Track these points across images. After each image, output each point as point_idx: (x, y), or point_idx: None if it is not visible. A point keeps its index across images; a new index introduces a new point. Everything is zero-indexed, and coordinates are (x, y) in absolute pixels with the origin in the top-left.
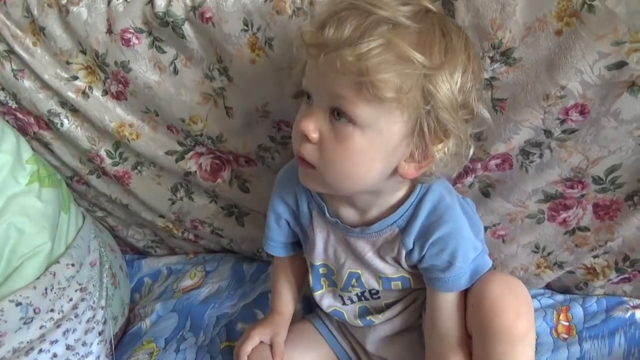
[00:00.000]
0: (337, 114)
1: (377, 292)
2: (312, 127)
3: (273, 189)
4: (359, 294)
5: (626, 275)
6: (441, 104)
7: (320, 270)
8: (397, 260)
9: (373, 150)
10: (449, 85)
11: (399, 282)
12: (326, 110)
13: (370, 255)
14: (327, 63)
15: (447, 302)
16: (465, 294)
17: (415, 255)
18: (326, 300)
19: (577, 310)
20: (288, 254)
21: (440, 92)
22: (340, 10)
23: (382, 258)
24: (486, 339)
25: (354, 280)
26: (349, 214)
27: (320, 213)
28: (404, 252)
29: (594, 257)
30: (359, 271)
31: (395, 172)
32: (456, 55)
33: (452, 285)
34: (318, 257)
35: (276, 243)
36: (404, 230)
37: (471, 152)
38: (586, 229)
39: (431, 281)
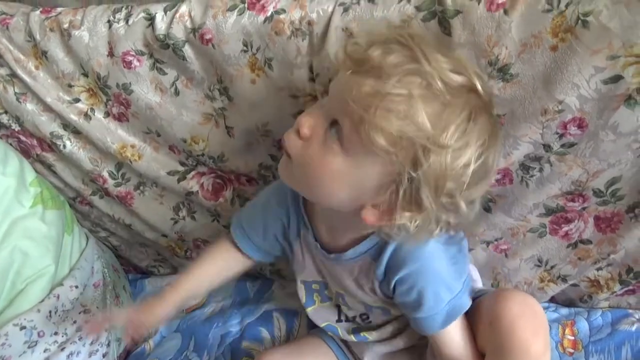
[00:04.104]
0: (334, 129)
1: (367, 316)
2: (309, 124)
3: (267, 195)
4: (350, 317)
5: (630, 287)
6: (426, 179)
7: (313, 286)
8: (373, 291)
9: (344, 178)
10: (443, 167)
11: (380, 310)
12: (328, 119)
13: (349, 283)
14: (347, 82)
15: (446, 337)
16: (474, 314)
17: (386, 288)
18: (320, 315)
19: (583, 324)
20: (260, 257)
21: (430, 169)
22: (392, 41)
23: (360, 287)
24: (503, 358)
25: (340, 299)
26: (324, 233)
27: (307, 233)
28: (377, 283)
29: (598, 269)
30: (342, 291)
31: (360, 210)
32: (469, 144)
33: (426, 326)
34: (311, 275)
35: (251, 243)
36: (377, 259)
37: (436, 232)
38: (588, 241)
39: (409, 320)
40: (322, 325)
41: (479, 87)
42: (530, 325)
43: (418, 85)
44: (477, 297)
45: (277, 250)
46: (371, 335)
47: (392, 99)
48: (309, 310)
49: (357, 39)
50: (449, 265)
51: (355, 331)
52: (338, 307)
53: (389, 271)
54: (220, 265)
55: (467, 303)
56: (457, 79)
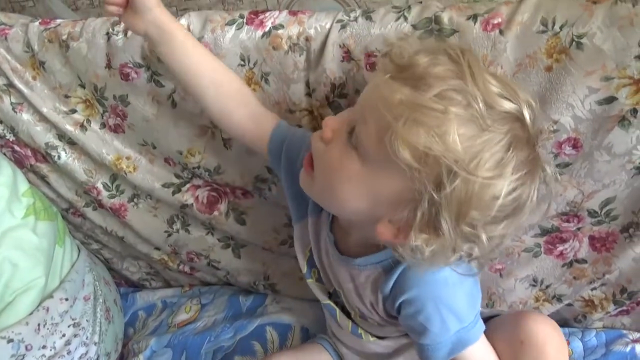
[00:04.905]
0: (355, 134)
1: (365, 318)
2: (332, 127)
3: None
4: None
5: (624, 308)
6: (448, 204)
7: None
8: (373, 306)
9: (360, 187)
10: (469, 194)
11: (376, 323)
12: (352, 123)
13: (348, 286)
14: (383, 85)
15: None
16: (490, 335)
17: (390, 307)
18: (317, 292)
19: (577, 345)
20: (271, 147)
21: (453, 194)
22: (442, 52)
23: (359, 296)
24: None
25: (336, 294)
26: (338, 230)
27: (326, 221)
28: (381, 297)
29: (592, 289)
30: (339, 290)
31: (376, 223)
32: (502, 176)
33: (430, 354)
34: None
35: (280, 139)
36: (388, 272)
37: (453, 260)
38: (583, 261)
39: (414, 344)
40: (324, 302)
41: (527, 117)
42: (557, 343)
43: (457, 104)
44: (488, 317)
45: (289, 178)
46: (366, 337)
47: (425, 112)
48: (309, 282)
49: (405, 42)
50: (463, 295)
51: (354, 325)
52: (329, 293)
53: (396, 289)
54: (232, 83)
55: (476, 336)
56: (505, 105)
